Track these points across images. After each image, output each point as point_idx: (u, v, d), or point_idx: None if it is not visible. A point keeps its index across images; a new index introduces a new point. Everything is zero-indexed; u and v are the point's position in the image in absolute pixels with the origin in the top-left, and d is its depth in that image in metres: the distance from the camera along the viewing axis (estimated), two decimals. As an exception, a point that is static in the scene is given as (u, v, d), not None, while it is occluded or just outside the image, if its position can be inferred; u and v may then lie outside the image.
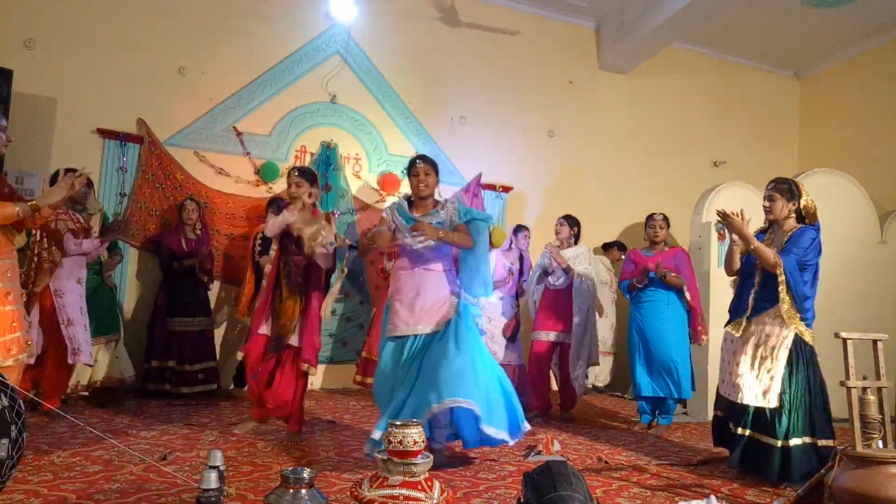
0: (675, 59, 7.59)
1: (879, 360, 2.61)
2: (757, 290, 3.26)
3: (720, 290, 5.17)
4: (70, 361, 3.98)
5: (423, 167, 3.37)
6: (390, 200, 6.22)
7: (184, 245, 5.12)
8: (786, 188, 3.32)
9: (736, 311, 3.40)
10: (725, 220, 3.29)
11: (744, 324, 3.29)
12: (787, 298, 3.13)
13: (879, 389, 2.54)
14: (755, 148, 8.00)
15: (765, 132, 8.14)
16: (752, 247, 3.21)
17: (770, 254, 3.17)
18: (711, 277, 5.24)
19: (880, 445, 2.42)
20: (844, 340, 2.63)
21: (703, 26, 6.76)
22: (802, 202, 3.29)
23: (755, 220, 5.29)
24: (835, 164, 6.30)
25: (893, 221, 5.88)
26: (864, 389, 2.51)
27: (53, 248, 3.92)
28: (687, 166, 7.56)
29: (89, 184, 4.49)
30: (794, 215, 3.32)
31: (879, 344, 2.63)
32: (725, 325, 3.42)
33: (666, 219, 4.76)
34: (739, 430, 3.22)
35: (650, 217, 4.78)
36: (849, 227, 5.64)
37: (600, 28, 7.34)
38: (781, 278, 3.12)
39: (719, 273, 5.23)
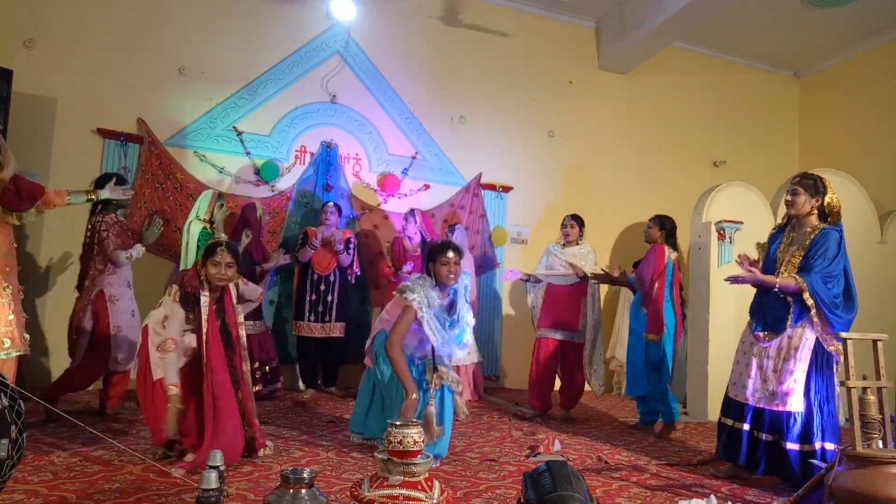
0: (675, 59, 7.60)
1: (879, 360, 2.60)
2: (781, 304, 3.17)
3: (720, 290, 5.18)
4: (111, 368, 4.06)
5: (454, 258, 3.37)
6: (392, 203, 6.23)
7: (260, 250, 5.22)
8: (810, 183, 3.22)
9: (759, 314, 3.30)
10: (738, 281, 3.25)
11: (777, 336, 3.20)
12: (816, 312, 3.07)
13: (879, 389, 2.53)
14: (755, 148, 8.00)
15: (765, 132, 8.15)
16: (775, 287, 3.14)
17: (792, 284, 3.10)
18: (711, 277, 5.24)
19: (880, 445, 2.41)
20: (844, 340, 2.63)
21: (703, 26, 6.76)
22: (826, 199, 3.20)
23: (754, 223, 5.30)
24: (835, 164, 6.30)
25: (893, 221, 5.88)
26: (864, 389, 2.51)
27: (99, 257, 4.05)
28: (687, 166, 7.56)
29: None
30: (815, 212, 3.23)
31: (879, 344, 2.63)
32: (755, 330, 3.30)
33: (656, 219, 4.69)
34: (764, 436, 3.16)
35: None
36: (848, 227, 5.59)
37: (600, 28, 7.34)
38: (810, 302, 3.06)
39: (720, 273, 5.24)
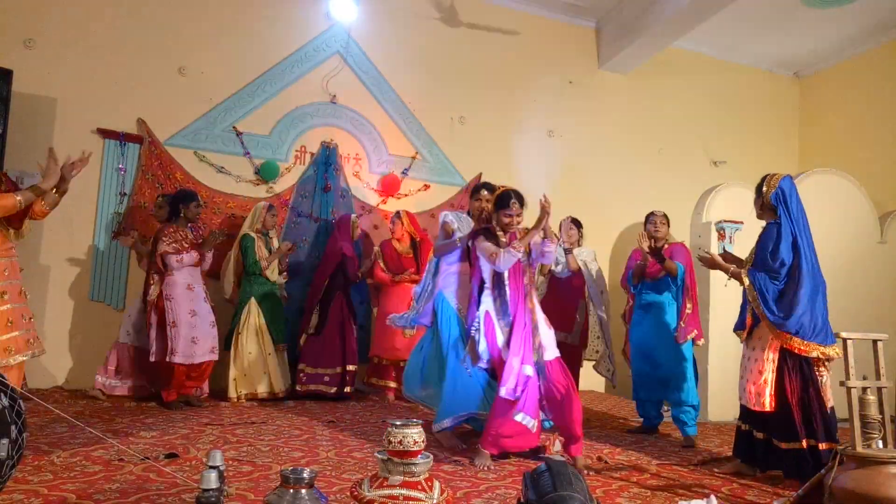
0: (675, 59, 7.59)
1: (879, 360, 2.61)
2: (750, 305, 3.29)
3: (720, 290, 5.18)
4: (167, 360, 4.47)
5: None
6: (392, 203, 6.22)
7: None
8: (757, 187, 3.34)
9: (741, 319, 3.42)
10: (704, 263, 3.44)
11: (749, 336, 3.33)
12: (763, 312, 3.15)
13: (879, 389, 2.54)
14: (755, 148, 8.00)
15: (765, 132, 8.14)
16: (728, 272, 3.31)
17: (741, 276, 3.26)
18: (711, 278, 5.23)
19: (880, 445, 2.42)
20: (844, 340, 2.63)
21: (703, 26, 6.76)
22: (764, 191, 3.27)
23: (755, 223, 5.30)
24: (835, 164, 6.30)
25: (893, 221, 5.88)
26: (864, 389, 2.51)
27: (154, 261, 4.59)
28: (687, 166, 7.55)
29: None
30: (765, 212, 3.33)
31: (879, 344, 2.63)
32: (734, 331, 3.47)
33: (666, 217, 4.60)
34: (759, 434, 3.25)
35: (650, 214, 4.58)
36: (849, 227, 5.64)
37: (600, 28, 7.34)
38: (751, 295, 3.18)
39: (719, 273, 5.23)
